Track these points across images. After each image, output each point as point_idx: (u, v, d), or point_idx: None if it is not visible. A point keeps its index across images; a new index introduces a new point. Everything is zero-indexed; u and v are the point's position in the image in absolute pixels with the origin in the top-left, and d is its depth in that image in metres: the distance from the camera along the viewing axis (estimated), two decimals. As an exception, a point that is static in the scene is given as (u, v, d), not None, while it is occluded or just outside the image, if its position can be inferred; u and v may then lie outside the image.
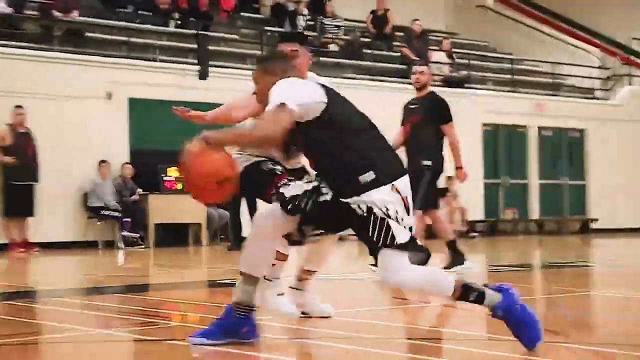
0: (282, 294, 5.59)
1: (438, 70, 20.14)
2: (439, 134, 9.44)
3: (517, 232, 20.33)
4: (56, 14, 15.99)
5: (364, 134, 4.68)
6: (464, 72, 20.64)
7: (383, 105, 15.97)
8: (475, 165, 19.57)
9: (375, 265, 4.79)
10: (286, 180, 5.12)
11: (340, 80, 18.00)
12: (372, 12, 21.07)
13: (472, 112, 19.62)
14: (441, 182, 18.09)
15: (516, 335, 4.48)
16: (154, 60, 16.42)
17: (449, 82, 20.01)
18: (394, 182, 4.52)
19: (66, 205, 14.64)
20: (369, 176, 4.48)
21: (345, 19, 21.27)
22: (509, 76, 21.85)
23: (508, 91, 21.04)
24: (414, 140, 9.23)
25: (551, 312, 6.64)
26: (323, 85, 4.75)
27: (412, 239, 4.53)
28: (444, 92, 19.11)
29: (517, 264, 11.91)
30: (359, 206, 4.47)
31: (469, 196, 18.96)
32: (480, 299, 4.51)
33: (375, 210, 4.42)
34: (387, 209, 4.43)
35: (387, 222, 4.42)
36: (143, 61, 16.06)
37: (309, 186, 4.81)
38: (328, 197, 4.67)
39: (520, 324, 4.47)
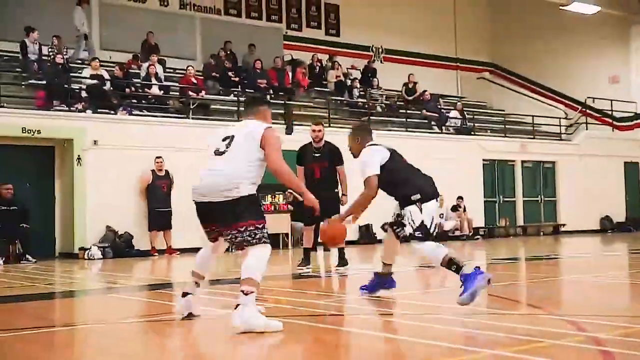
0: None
1: (453, 123, 19.95)
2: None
3: (508, 235, 19.94)
4: (190, 93, 16.22)
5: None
6: (470, 124, 20.37)
7: (413, 147, 15.82)
8: (478, 188, 19.32)
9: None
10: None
11: (384, 132, 17.95)
12: (405, 84, 20.97)
13: (476, 152, 19.38)
14: (453, 200, 18.07)
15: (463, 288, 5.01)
16: (256, 122, 16.51)
17: (460, 131, 19.78)
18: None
19: (195, 221, 14.65)
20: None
21: (386, 89, 21.20)
22: (501, 126, 21.55)
23: (501, 136, 20.72)
24: (326, 178, 8.86)
25: (534, 292, 6.46)
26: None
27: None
28: (456, 139, 19.13)
29: (508, 258, 11.64)
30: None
31: (474, 210, 18.69)
32: (457, 271, 5.13)
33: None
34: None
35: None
36: (249, 123, 16.16)
37: None
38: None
39: (466, 281, 5.02)
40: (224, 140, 4.72)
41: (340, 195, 9.12)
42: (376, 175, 5.36)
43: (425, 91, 20.59)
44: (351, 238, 12.07)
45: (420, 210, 5.27)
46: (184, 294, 4.90)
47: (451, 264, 5.11)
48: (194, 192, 4.71)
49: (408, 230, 5.27)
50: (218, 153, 4.67)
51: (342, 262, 9.00)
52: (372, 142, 5.70)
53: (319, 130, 8.95)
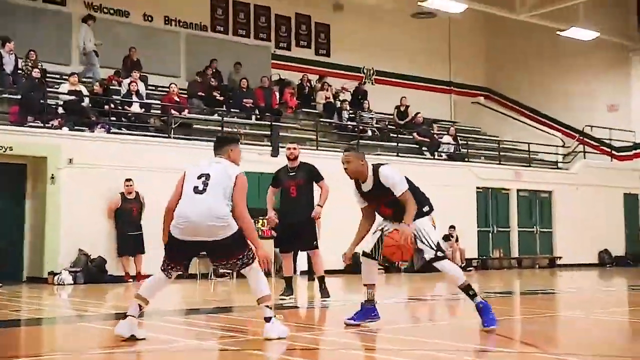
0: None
1: (446, 148, 19.98)
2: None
3: (502, 267, 19.89)
4: (173, 112, 16.14)
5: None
6: (464, 150, 20.42)
7: (404, 173, 15.81)
8: (471, 217, 19.30)
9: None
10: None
11: (374, 157, 17.93)
12: (396, 107, 21.03)
13: (469, 179, 19.40)
14: (444, 229, 18.01)
15: (482, 321, 5.53)
16: (241, 143, 16.45)
17: (453, 158, 19.80)
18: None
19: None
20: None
21: (377, 112, 21.24)
22: (495, 153, 21.61)
23: (495, 163, 20.76)
24: (302, 197, 9.12)
25: (528, 328, 6.38)
26: None
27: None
28: (448, 165, 19.16)
29: (502, 291, 11.56)
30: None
31: (467, 240, 18.65)
32: (473, 297, 5.60)
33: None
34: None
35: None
36: (233, 144, 16.03)
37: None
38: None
39: (483, 315, 5.54)
40: (199, 177, 5.24)
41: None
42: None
43: (417, 113, 20.64)
44: (337, 267, 11.93)
45: (433, 222, 5.71)
46: (125, 316, 5.25)
47: (469, 288, 5.60)
48: (180, 231, 5.20)
49: (429, 254, 5.59)
50: (198, 191, 5.20)
51: (324, 293, 8.95)
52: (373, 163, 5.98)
53: (294, 148, 9.40)
